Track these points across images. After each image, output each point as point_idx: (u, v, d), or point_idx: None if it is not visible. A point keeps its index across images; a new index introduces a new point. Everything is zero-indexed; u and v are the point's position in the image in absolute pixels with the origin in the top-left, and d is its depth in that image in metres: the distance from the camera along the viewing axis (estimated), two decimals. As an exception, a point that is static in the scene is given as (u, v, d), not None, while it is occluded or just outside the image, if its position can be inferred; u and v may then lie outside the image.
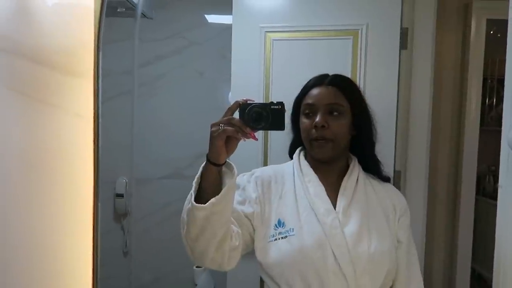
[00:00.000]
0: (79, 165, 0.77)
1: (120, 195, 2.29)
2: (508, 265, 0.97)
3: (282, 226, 1.02)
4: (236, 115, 0.89)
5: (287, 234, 1.00)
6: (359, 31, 1.74)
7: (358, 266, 0.97)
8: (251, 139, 0.88)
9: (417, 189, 1.84)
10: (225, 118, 0.87)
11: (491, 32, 2.32)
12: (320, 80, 1.09)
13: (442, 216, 2.20)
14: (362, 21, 1.74)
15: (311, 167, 1.10)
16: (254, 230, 1.04)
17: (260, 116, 0.86)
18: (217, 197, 0.87)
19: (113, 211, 2.33)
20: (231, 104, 0.90)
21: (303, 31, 1.81)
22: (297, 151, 1.16)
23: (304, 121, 1.07)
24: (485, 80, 2.20)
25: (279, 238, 1.00)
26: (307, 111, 1.07)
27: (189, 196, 0.91)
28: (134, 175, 2.32)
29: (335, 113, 1.04)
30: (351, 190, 1.07)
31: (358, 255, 0.98)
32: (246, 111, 0.86)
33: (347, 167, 1.12)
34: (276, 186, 1.09)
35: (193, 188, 0.90)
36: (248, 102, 0.88)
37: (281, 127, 0.88)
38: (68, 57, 0.73)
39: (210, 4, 2.29)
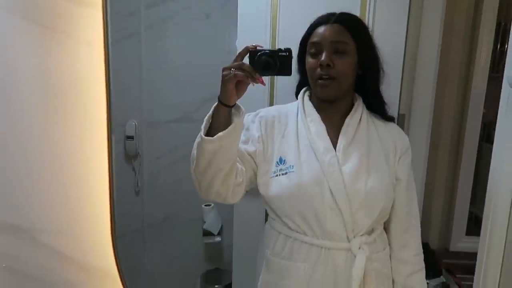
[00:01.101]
0: (92, 91, 0.81)
1: (130, 137, 2.34)
2: (499, 201, 1.02)
3: (283, 163, 1.07)
4: (246, 60, 0.94)
5: (287, 171, 1.05)
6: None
7: (354, 202, 1.02)
8: (259, 84, 0.93)
9: (420, 133, 1.86)
10: (235, 63, 0.91)
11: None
12: (326, 19, 1.09)
13: (444, 160, 2.24)
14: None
15: (315, 107, 1.12)
16: (257, 166, 1.10)
17: (269, 64, 0.90)
18: (224, 131, 0.93)
19: (124, 153, 2.40)
20: (241, 49, 0.94)
21: (312, -30, 1.75)
22: (302, 91, 1.18)
23: (309, 60, 1.08)
24: (498, 25, 2.13)
25: (279, 174, 1.06)
26: (312, 50, 1.07)
27: (200, 133, 0.98)
28: (143, 118, 2.36)
29: (341, 52, 1.04)
30: (353, 129, 1.09)
31: (355, 191, 1.02)
32: (256, 58, 0.90)
33: (351, 107, 1.13)
34: (280, 125, 1.13)
35: (203, 124, 0.97)
36: (258, 48, 0.92)
37: (288, 73, 0.93)
38: None
39: None
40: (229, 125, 0.94)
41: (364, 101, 1.15)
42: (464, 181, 2.27)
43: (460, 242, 2.35)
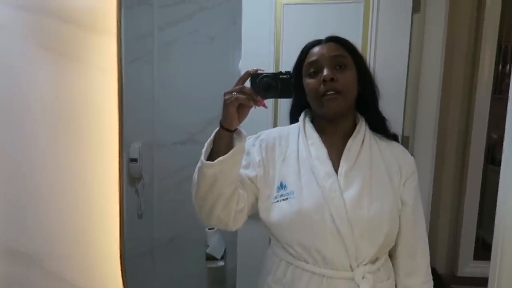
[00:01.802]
0: (105, 118, 0.82)
1: (134, 160, 2.35)
2: (509, 229, 1.00)
3: (284, 188, 1.05)
4: (247, 84, 0.95)
5: (287, 196, 1.03)
6: (370, -4, 1.71)
7: (356, 228, 0.99)
8: (261, 106, 0.94)
9: (425, 155, 1.86)
10: (237, 87, 0.92)
11: (509, -5, 2.24)
12: (317, 41, 1.10)
13: (449, 183, 2.21)
14: (374, -16, 1.71)
15: (316, 129, 1.10)
16: (258, 191, 1.08)
17: (270, 86, 0.91)
18: (225, 156, 0.93)
19: (128, 175, 2.40)
20: (242, 73, 0.95)
21: (314, -5, 1.79)
22: (303, 114, 1.16)
23: (309, 81, 1.06)
24: (500, 46, 2.15)
25: (280, 200, 1.04)
26: (311, 70, 1.06)
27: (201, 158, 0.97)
28: (148, 141, 2.38)
29: (342, 67, 1.04)
30: (355, 152, 1.06)
31: (357, 218, 0.99)
32: (257, 80, 0.92)
33: (353, 127, 1.11)
34: (280, 148, 1.11)
35: (204, 149, 0.96)
36: (259, 72, 0.93)
37: (289, 95, 0.94)
38: (93, 15, 0.77)
39: (221, -32, 2.25)
40: (230, 150, 0.94)
41: (366, 121, 1.13)
42: (470, 204, 2.24)
43: (468, 267, 2.30)
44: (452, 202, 2.26)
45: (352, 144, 1.07)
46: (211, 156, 0.95)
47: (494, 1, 2.04)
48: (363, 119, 1.12)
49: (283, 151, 1.10)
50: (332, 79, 1.01)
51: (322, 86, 1.02)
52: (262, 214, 1.07)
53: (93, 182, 0.84)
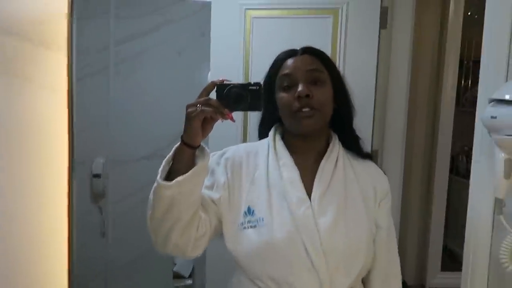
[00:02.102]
0: (54, 139, 0.75)
1: (97, 176, 2.24)
2: (479, 239, 1.01)
3: (252, 214, 0.95)
4: (213, 96, 0.87)
5: (256, 224, 0.93)
6: (340, 10, 1.73)
7: (332, 260, 0.91)
8: (229, 120, 0.86)
9: (394, 168, 1.87)
10: (202, 98, 0.83)
11: (469, 13, 2.35)
12: (292, 52, 1.01)
13: (417, 194, 2.25)
14: (342, 0, 1.73)
15: (287, 147, 1.01)
16: (222, 215, 0.97)
17: (240, 97, 0.84)
18: (185, 175, 0.83)
19: (90, 192, 2.29)
20: (207, 84, 0.86)
21: (284, 9, 1.79)
22: (273, 129, 1.05)
23: (282, 95, 0.97)
24: (461, 61, 2.24)
25: (248, 227, 0.94)
26: (285, 84, 0.97)
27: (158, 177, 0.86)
28: (112, 156, 2.28)
29: (318, 82, 0.96)
30: (329, 174, 0.98)
31: (332, 248, 0.91)
32: (225, 91, 0.84)
33: (326, 146, 1.02)
34: (248, 169, 1.01)
35: (161, 167, 0.86)
36: (225, 82, 0.85)
37: (258, 108, 0.86)
38: (40, 27, 0.70)
39: (189, -20, 2.23)
40: (191, 169, 0.85)
41: (339, 139, 1.05)
42: (437, 214, 2.29)
43: (436, 278, 2.34)
44: (419, 213, 2.30)
45: (326, 165, 0.99)
46: (170, 176, 0.86)
47: (456, 19, 2.12)
48: (336, 137, 1.04)
49: (251, 172, 1.00)
50: (307, 96, 0.93)
51: (296, 102, 0.94)
52: (228, 243, 0.96)
53: (42, 203, 0.76)
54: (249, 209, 0.95)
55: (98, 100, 2.24)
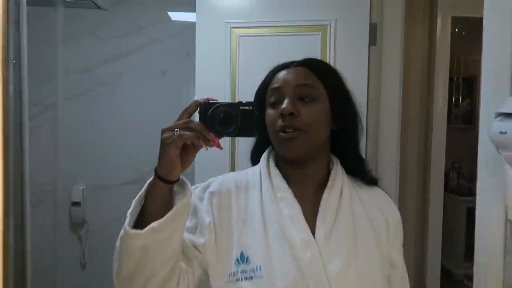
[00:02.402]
0: None
1: (77, 203, 2.12)
2: (491, 264, 0.93)
3: (246, 262, 0.78)
4: (195, 118, 0.74)
5: (252, 275, 0.76)
6: (328, 27, 1.69)
7: None
8: (214, 147, 0.71)
9: (389, 188, 1.79)
10: (181, 121, 0.69)
11: (456, 30, 2.35)
12: (287, 64, 0.88)
13: (412, 213, 2.19)
14: (330, 16, 1.69)
15: (284, 177, 0.85)
16: (208, 264, 0.80)
17: (229, 119, 0.70)
18: (160, 221, 0.68)
19: (69, 221, 2.16)
20: (189, 104, 0.72)
21: (271, 26, 1.75)
22: (265, 153, 0.90)
23: (269, 111, 0.83)
24: (451, 79, 2.23)
25: (242, 278, 0.76)
26: (272, 99, 0.84)
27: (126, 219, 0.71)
28: (92, 181, 2.17)
29: (306, 99, 0.82)
30: (334, 208, 0.82)
31: None
32: (210, 112, 0.70)
33: (328, 174, 0.88)
34: (239, 205, 0.84)
35: (130, 209, 0.71)
36: (210, 101, 0.72)
37: (251, 132, 0.72)
38: None
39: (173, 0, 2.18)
40: (169, 210, 0.69)
41: (341, 163, 0.90)
42: (433, 235, 2.22)
43: (436, 301, 2.25)
44: (416, 234, 2.23)
45: (330, 197, 0.83)
46: (142, 219, 0.70)
47: (444, 36, 2.11)
48: (338, 162, 0.89)
49: (242, 209, 0.83)
50: (291, 114, 0.79)
51: (280, 120, 0.80)
52: None
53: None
54: (242, 255, 0.78)
55: (78, 124, 2.17)
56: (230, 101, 0.75)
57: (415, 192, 2.18)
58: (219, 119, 0.70)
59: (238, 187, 0.86)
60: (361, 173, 0.90)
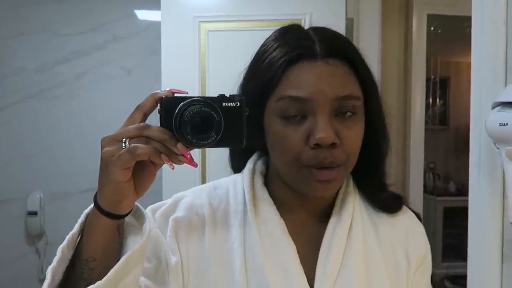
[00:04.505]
0: None
1: (33, 213, 1.95)
2: (486, 272, 0.85)
3: None
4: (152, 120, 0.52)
5: None
6: (302, 21, 1.60)
7: None
8: (185, 163, 0.49)
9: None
10: (131, 126, 0.48)
11: (432, 28, 2.33)
12: (310, 48, 0.58)
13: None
14: (305, 10, 1.61)
15: (274, 200, 0.63)
16: None
17: (209, 123, 0.47)
18: (108, 277, 0.47)
19: (25, 232, 2.00)
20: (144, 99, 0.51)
21: (242, 20, 1.66)
22: (250, 164, 0.66)
23: (284, 131, 0.57)
24: (428, 80, 2.23)
25: None
26: (292, 113, 0.57)
27: (47, 277, 0.49)
28: (51, 189, 2.02)
29: (349, 114, 0.58)
30: (341, 249, 0.61)
31: None
32: (178, 111, 0.47)
33: (335, 195, 0.66)
34: (214, 238, 0.61)
35: (54, 262, 0.50)
36: (176, 95, 0.49)
37: (239, 140, 0.50)
38: None
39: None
40: (114, 257, 0.49)
41: (355, 182, 0.68)
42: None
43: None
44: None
45: (334, 234, 0.62)
46: (73, 270, 0.50)
47: (420, 35, 2.08)
48: (350, 178, 0.67)
49: (219, 244, 0.61)
50: (333, 144, 0.56)
51: (311, 151, 0.56)
52: None
53: None
54: None
55: (35, 127, 2.01)
56: (204, 96, 0.49)
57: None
58: (194, 124, 0.46)
59: (213, 213, 0.63)
60: (381, 199, 0.67)
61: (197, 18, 1.68)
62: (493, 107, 0.73)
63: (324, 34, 0.61)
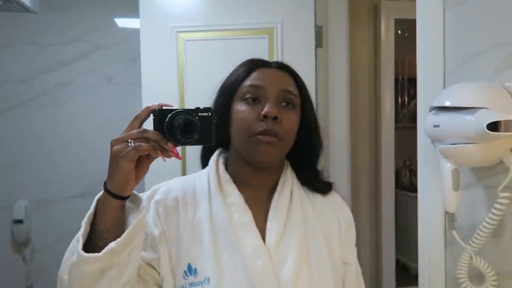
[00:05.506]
0: None
1: (19, 221, 1.99)
2: (433, 256, 0.95)
3: (194, 274, 0.74)
4: (147, 125, 0.70)
5: (200, 286, 0.73)
6: (274, 29, 1.69)
7: None
8: (173, 157, 0.67)
9: (341, 188, 1.81)
10: (134, 131, 0.65)
11: (399, 32, 2.44)
12: (263, 62, 0.83)
13: (365, 211, 2.24)
14: (276, 19, 1.70)
15: (234, 180, 0.81)
16: (163, 280, 0.76)
17: (191, 127, 0.66)
18: (118, 241, 0.63)
19: (11, 240, 2.03)
20: (140, 111, 0.67)
21: (217, 30, 1.73)
22: (214, 157, 0.85)
23: (242, 108, 0.77)
24: (396, 79, 2.32)
25: None
26: (248, 96, 0.78)
27: (74, 242, 0.66)
28: (36, 196, 2.05)
29: (290, 105, 0.79)
30: (284, 210, 0.80)
31: None
32: (168, 119, 0.65)
33: (279, 178, 0.85)
34: (186, 213, 0.79)
35: (81, 231, 0.65)
36: (164, 108, 0.67)
37: (209, 140, 0.69)
38: None
39: (117, 5, 2.11)
40: (122, 227, 0.65)
41: (293, 169, 0.87)
42: (387, 231, 2.27)
43: (392, 295, 2.30)
44: (370, 230, 2.28)
45: (280, 200, 0.81)
46: (90, 242, 0.65)
47: (389, 38, 2.18)
48: (288, 165, 0.86)
49: (189, 217, 0.78)
50: (275, 118, 0.75)
51: (260, 122, 0.76)
52: None
53: None
54: (189, 267, 0.74)
55: (19, 136, 2.05)
56: (183, 108, 0.70)
57: (368, 191, 2.23)
58: (182, 128, 0.65)
59: (185, 194, 0.81)
60: (316, 185, 0.87)
61: (174, 28, 1.75)
62: (430, 111, 0.83)
63: (280, 62, 0.85)
